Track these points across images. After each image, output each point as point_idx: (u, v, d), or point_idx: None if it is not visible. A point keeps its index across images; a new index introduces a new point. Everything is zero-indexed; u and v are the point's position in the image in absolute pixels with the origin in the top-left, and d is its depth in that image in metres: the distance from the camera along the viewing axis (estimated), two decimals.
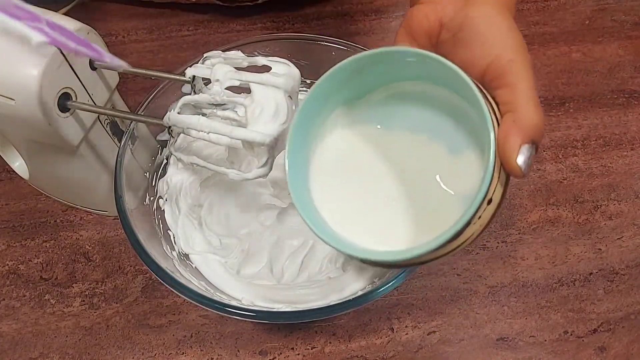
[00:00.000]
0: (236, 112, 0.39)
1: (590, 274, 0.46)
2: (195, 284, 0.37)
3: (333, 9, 0.65)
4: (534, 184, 0.51)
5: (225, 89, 0.37)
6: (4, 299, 0.44)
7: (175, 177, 0.44)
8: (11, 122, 0.38)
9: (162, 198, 0.43)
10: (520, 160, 0.25)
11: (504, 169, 0.26)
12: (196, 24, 0.64)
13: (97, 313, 0.43)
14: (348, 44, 0.44)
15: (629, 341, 0.42)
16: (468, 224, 0.25)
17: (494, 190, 0.26)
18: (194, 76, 0.38)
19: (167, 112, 0.37)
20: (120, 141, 0.42)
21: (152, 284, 0.45)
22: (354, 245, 0.30)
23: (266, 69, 0.37)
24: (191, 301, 0.34)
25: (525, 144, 0.25)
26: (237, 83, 0.36)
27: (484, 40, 0.27)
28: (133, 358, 0.41)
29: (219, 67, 0.37)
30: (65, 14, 0.37)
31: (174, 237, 0.42)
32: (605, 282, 0.45)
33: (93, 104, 0.40)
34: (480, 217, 0.26)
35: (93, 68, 0.39)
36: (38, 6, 0.37)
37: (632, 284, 0.45)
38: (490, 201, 0.26)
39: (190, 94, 0.39)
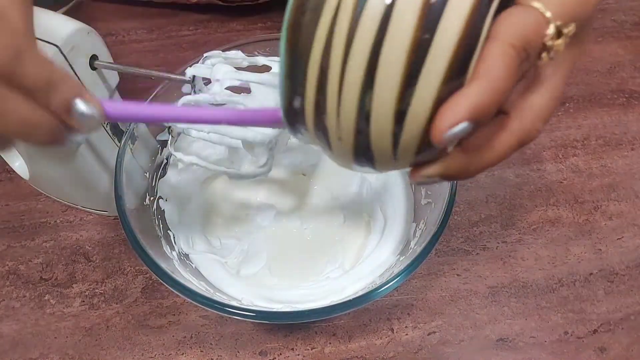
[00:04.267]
0: None
1: (591, 274, 0.46)
2: (195, 284, 0.37)
3: None
4: (534, 184, 0.51)
5: (225, 88, 0.37)
6: (3, 300, 0.44)
7: (175, 177, 0.44)
8: None
9: (162, 198, 0.43)
10: (450, 132, 0.20)
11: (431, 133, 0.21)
12: (196, 24, 0.64)
13: (97, 313, 0.43)
14: None
15: (629, 342, 0.42)
16: None
17: None
18: (194, 76, 0.39)
19: None
20: (120, 141, 0.42)
21: (152, 284, 0.45)
22: None
23: (266, 69, 0.37)
24: (191, 301, 0.33)
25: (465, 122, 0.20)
26: (237, 83, 0.36)
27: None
28: (133, 359, 0.41)
29: (219, 67, 0.37)
30: (65, 13, 0.37)
31: (174, 237, 0.42)
32: (605, 282, 0.45)
33: None
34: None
35: (93, 68, 0.39)
36: (38, 6, 0.37)
37: (632, 284, 0.45)
38: None
39: (190, 94, 0.39)
